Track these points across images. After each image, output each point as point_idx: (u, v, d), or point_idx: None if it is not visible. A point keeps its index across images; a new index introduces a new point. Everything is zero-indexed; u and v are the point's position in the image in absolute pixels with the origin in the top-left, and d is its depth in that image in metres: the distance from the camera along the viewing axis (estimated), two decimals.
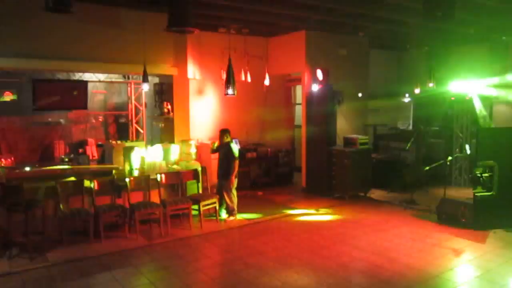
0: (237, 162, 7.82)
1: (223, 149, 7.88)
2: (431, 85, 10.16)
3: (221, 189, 7.84)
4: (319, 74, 9.73)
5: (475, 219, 7.15)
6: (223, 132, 7.95)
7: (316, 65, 9.88)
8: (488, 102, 10.60)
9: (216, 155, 8.08)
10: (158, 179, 7.35)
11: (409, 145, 9.46)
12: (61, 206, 6.57)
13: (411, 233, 7.15)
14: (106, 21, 8.04)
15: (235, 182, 7.87)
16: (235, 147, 7.94)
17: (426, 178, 10.01)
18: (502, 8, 7.82)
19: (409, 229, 7.34)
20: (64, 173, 7.28)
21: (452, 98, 10.45)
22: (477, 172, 7.16)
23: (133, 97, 11.24)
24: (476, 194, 7.20)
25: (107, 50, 8.11)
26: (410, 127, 12.43)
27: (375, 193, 9.80)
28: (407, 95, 12.08)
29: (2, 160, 8.00)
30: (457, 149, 10.55)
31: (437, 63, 11.27)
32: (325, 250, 6.40)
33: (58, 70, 9.24)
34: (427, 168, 9.16)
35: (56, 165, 8.24)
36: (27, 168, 7.56)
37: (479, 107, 9.56)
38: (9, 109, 9.48)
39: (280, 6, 7.72)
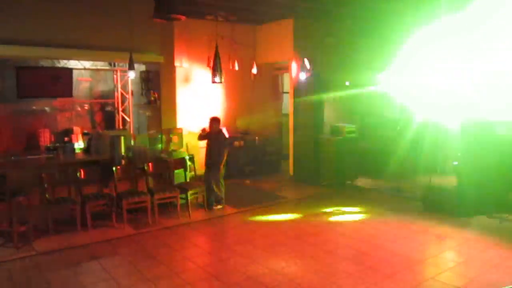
0: (226, 151, 7.82)
1: (214, 138, 7.85)
2: None
3: (209, 178, 7.83)
4: (307, 62, 9.72)
5: (459, 206, 7.27)
6: (214, 120, 7.91)
7: (304, 53, 9.86)
8: None
9: (204, 144, 8.05)
10: (146, 168, 7.32)
11: (395, 133, 9.53)
12: (46, 195, 6.52)
13: (397, 220, 7.25)
14: (91, 7, 7.91)
15: (223, 170, 7.88)
16: (225, 136, 7.93)
17: (412, 166, 10.11)
18: None
19: (394, 216, 7.44)
20: (49, 162, 7.20)
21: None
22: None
23: (119, 85, 11.13)
24: (460, 182, 7.32)
25: (92, 37, 7.99)
26: (397, 116, 12.49)
27: (362, 181, 9.90)
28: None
29: None
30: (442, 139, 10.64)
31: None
32: (312, 237, 6.46)
33: (42, 57, 9.07)
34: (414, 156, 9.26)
35: (41, 153, 8.13)
36: (11, 157, 7.46)
37: None
38: None
39: None
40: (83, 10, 7.81)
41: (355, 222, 7.21)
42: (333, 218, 7.44)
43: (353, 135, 9.70)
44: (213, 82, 8.14)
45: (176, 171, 7.88)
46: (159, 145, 8.58)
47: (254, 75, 10.38)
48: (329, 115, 10.43)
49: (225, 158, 7.79)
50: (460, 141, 7.47)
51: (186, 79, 9.91)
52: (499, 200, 7.24)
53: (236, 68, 9.70)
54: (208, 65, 9.29)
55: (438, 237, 6.39)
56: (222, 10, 9.22)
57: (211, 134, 7.89)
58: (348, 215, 7.61)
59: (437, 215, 7.35)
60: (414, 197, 8.39)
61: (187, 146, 9.08)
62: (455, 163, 7.81)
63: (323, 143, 9.65)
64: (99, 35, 8.09)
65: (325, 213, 7.77)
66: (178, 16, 6.40)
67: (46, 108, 10.39)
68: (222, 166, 7.80)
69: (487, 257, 5.64)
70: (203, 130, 8.05)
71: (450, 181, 8.33)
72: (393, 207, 8.01)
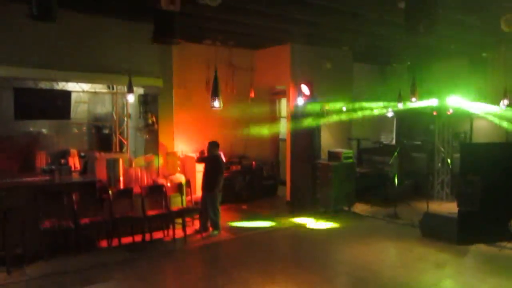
0: (222, 176, 7.78)
1: (210, 162, 7.82)
2: (413, 99, 10.31)
3: (205, 203, 7.76)
4: (304, 88, 9.79)
5: (458, 233, 7.20)
6: (212, 144, 7.90)
7: (301, 78, 9.94)
8: (468, 117, 10.81)
9: (201, 167, 8.01)
10: (142, 191, 7.26)
11: (392, 159, 9.55)
12: (41, 218, 6.42)
13: (394, 247, 7.18)
14: (91, 31, 7.96)
15: (219, 196, 7.81)
16: (222, 161, 7.90)
17: (409, 192, 10.10)
18: (481, 25, 8.00)
19: (393, 243, 7.37)
20: (45, 185, 7.12)
21: (434, 113, 10.62)
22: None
23: (117, 108, 11.12)
24: (459, 209, 7.26)
25: (91, 59, 8.02)
26: (393, 141, 12.57)
27: (359, 207, 9.83)
28: (390, 109, 12.24)
29: None
30: (439, 164, 10.68)
31: (419, 77, 11.47)
32: (309, 263, 6.37)
33: (42, 79, 9.08)
34: (407, 182, 9.25)
35: (37, 175, 8.05)
36: (7, 179, 7.37)
37: None
38: None
39: (266, 19, 7.77)
40: (82, 33, 7.86)
41: (353, 248, 7.12)
42: (330, 245, 7.35)
43: (350, 160, 9.69)
44: (212, 107, 8.16)
45: (172, 195, 7.81)
46: (156, 169, 8.54)
47: (252, 99, 10.43)
48: (326, 140, 10.45)
49: (220, 183, 7.74)
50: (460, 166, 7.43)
51: (184, 103, 9.92)
52: (499, 228, 7.19)
53: (234, 92, 9.74)
54: (206, 89, 9.32)
55: (437, 265, 6.32)
56: (220, 35, 9.32)
57: (209, 158, 7.87)
58: (345, 241, 7.53)
59: (436, 242, 7.28)
60: (412, 223, 8.32)
61: (183, 170, 9.03)
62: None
63: (320, 168, 9.63)
64: (98, 58, 8.13)
65: (322, 239, 7.68)
66: (177, 40, 6.45)
67: (43, 130, 10.33)
68: (218, 191, 7.74)
69: (486, 286, 5.57)
70: (201, 152, 8.03)
71: (447, 207, 8.30)
72: (391, 234, 7.95)
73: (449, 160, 10.34)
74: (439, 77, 11.45)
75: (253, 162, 10.81)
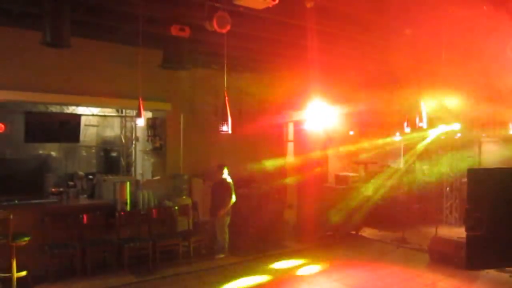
0: (230, 199, 7.79)
1: (218, 185, 7.85)
2: (421, 124, 10.31)
3: (213, 226, 7.75)
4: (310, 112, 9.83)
5: (467, 258, 7.09)
6: (220, 167, 7.94)
7: (308, 102, 9.99)
8: (476, 140, 10.78)
9: (208, 190, 8.04)
10: (148, 214, 7.27)
11: (400, 183, 9.50)
12: (48, 240, 6.44)
13: (403, 272, 7.07)
14: (101, 56, 8.12)
15: (227, 219, 7.80)
16: (230, 184, 7.92)
17: (418, 217, 10.00)
18: None
19: (401, 268, 7.27)
20: (53, 207, 7.17)
21: (442, 137, 10.59)
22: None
23: (125, 131, 11.25)
24: (468, 233, 7.18)
25: (102, 84, 8.16)
26: (401, 165, 12.50)
27: (367, 231, 9.75)
28: (397, 133, 12.23)
29: None
30: (447, 188, 10.60)
31: (426, 102, 11.48)
32: (315, 286, 6.29)
33: (52, 103, 9.25)
34: (416, 206, 9.19)
35: (45, 198, 8.11)
36: (16, 201, 7.43)
37: None
38: (0, 141, 9.42)
39: (273, 45, 7.89)
40: (93, 59, 8.03)
41: (360, 273, 7.03)
42: (337, 269, 7.26)
43: (357, 184, 9.65)
44: (221, 131, 8.23)
45: (179, 217, 7.81)
46: (163, 191, 8.56)
47: (260, 123, 10.48)
48: (333, 164, 10.44)
49: (228, 205, 7.74)
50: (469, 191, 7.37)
51: (192, 126, 10.00)
52: (509, 253, 7.08)
53: (242, 116, 9.80)
54: (214, 113, 9.41)
55: None
56: (228, 60, 9.44)
57: (216, 181, 7.89)
58: (353, 266, 7.44)
59: (445, 268, 7.17)
60: (420, 248, 8.22)
61: (191, 192, 9.05)
62: None
63: (327, 192, 9.59)
64: (108, 83, 8.26)
65: (331, 263, 7.60)
66: (186, 65, 6.57)
67: (52, 153, 10.46)
68: (225, 214, 7.73)
69: None
70: (206, 178, 8.07)
71: (456, 232, 8.21)
72: (400, 258, 7.85)
73: (457, 185, 10.27)
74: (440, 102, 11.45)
75: (260, 186, 10.78)
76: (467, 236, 7.17)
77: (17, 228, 6.13)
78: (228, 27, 5.72)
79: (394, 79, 11.82)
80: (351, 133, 11.19)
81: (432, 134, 10.38)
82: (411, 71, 10.16)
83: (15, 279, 5.82)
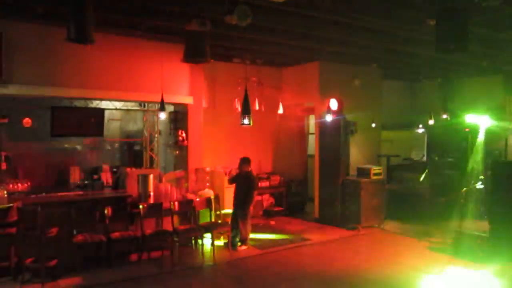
0: (256, 192, 7.84)
1: (242, 178, 7.90)
2: (444, 116, 10.15)
3: (236, 218, 7.81)
4: (332, 104, 9.79)
5: (492, 253, 6.99)
6: (244, 160, 7.99)
7: (329, 95, 9.95)
8: (503, 134, 10.52)
9: (231, 184, 8.10)
10: (171, 206, 7.38)
11: (423, 176, 9.38)
12: (74, 232, 6.62)
13: (426, 266, 7.01)
14: (124, 51, 8.24)
15: (250, 210, 7.85)
16: (255, 177, 7.97)
17: (441, 210, 9.86)
18: None
19: (424, 262, 7.20)
20: (78, 199, 7.35)
21: (467, 130, 10.40)
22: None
23: (148, 125, 11.40)
24: (491, 227, 7.07)
25: (125, 79, 8.29)
26: (424, 158, 12.34)
27: (389, 225, 9.67)
28: (420, 126, 12.06)
29: (19, 184, 8.10)
30: (472, 181, 10.40)
31: (450, 94, 11.29)
32: (339, 283, 6.30)
33: (77, 98, 9.43)
34: (443, 199, 9.05)
35: (71, 190, 8.32)
36: (43, 193, 7.65)
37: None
38: (27, 135, 9.66)
39: (294, 38, 7.86)
40: (117, 54, 8.15)
41: (382, 267, 7.00)
42: (359, 263, 7.24)
43: (379, 177, 9.58)
44: (242, 124, 8.29)
45: (201, 210, 7.90)
46: (185, 184, 8.66)
47: (280, 116, 10.49)
48: (355, 157, 10.37)
49: (254, 199, 7.79)
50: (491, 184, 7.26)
51: (213, 120, 10.08)
52: None
53: (262, 109, 9.83)
54: (235, 107, 9.47)
55: (470, 285, 6.13)
56: (249, 54, 9.47)
57: (240, 175, 7.94)
58: (375, 260, 7.41)
59: (468, 262, 7.06)
60: (444, 242, 8.12)
61: (213, 185, 9.13)
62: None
63: (349, 185, 9.55)
64: (131, 77, 8.39)
65: (351, 257, 7.58)
66: (207, 59, 6.60)
67: (77, 146, 10.67)
68: (250, 207, 7.78)
69: None
70: (232, 171, 8.11)
71: (480, 226, 8.05)
72: (422, 253, 7.77)
73: (482, 178, 10.07)
74: (471, 94, 11.25)
75: (281, 178, 10.82)
76: (491, 230, 7.09)
77: (45, 219, 6.33)
78: (249, 21, 5.72)
79: (417, 71, 11.68)
80: (373, 125, 11.08)
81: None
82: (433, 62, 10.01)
83: (43, 269, 6.01)
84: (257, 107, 9.73)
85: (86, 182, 8.97)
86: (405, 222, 9.75)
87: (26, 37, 7.22)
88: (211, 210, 7.96)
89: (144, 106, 11.08)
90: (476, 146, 10.44)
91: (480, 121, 9.53)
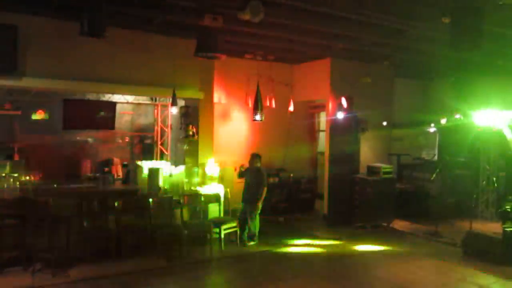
0: (265, 188, 7.84)
1: (253, 174, 7.91)
2: (457, 116, 10.02)
3: (245, 213, 7.83)
4: (344, 101, 9.74)
5: (503, 254, 6.92)
6: (254, 156, 8.00)
7: (340, 92, 9.91)
8: None
9: (242, 178, 8.12)
10: (181, 200, 7.41)
11: (434, 175, 9.31)
12: (85, 224, 6.69)
13: (435, 266, 6.97)
14: (136, 46, 8.28)
15: (259, 206, 7.86)
16: (265, 174, 7.98)
17: (452, 210, 9.79)
18: None
19: (433, 262, 7.16)
20: (89, 192, 7.42)
21: (479, 129, 10.28)
22: (507, 207, 7.00)
23: (159, 119, 11.47)
24: (505, 229, 7.00)
25: (137, 73, 8.33)
26: (435, 158, 12.24)
27: (398, 224, 9.61)
28: (432, 125, 11.95)
29: (31, 176, 8.20)
30: (484, 182, 10.30)
31: (463, 93, 11.13)
32: (345, 280, 6.29)
33: (89, 91, 9.52)
34: (453, 200, 8.98)
35: (82, 183, 8.41)
36: (54, 185, 7.74)
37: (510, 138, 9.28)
38: (40, 128, 9.78)
39: (306, 34, 7.84)
40: (128, 48, 8.19)
41: (391, 266, 6.97)
42: (368, 261, 7.23)
43: (389, 175, 9.53)
44: (254, 120, 8.31)
45: (210, 204, 7.93)
46: (195, 179, 8.70)
47: (291, 112, 10.47)
48: (365, 155, 10.33)
49: (263, 195, 7.80)
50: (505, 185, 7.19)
51: (224, 115, 10.10)
52: None
53: (273, 105, 9.82)
54: (246, 103, 9.47)
55: (480, 287, 6.08)
56: (260, 50, 9.46)
57: (251, 170, 7.95)
58: (384, 258, 7.38)
59: (479, 263, 7.00)
60: (453, 242, 8.06)
61: (222, 180, 9.16)
62: None
63: (358, 183, 9.52)
64: (143, 71, 8.42)
65: (360, 255, 7.57)
66: (219, 54, 6.61)
67: (89, 139, 10.79)
68: (259, 203, 7.79)
69: None
70: (242, 166, 8.12)
71: (492, 227, 7.99)
72: (431, 252, 7.72)
73: (494, 179, 9.97)
74: (484, 93, 11.09)
75: (291, 175, 10.80)
76: (504, 231, 7.01)
77: (56, 211, 6.41)
78: (261, 17, 5.72)
79: (429, 69, 11.57)
80: (384, 123, 11.01)
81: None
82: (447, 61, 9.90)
83: (54, 260, 6.08)
84: (268, 104, 9.72)
85: (97, 174, 9.06)
86: (414, 221, 9.69)
87: (40, 30, 7.29)
88: (220, 205, 7.99)
89: (156, 100, 11.14)
90: (487, 147, 10.32)
91: (493, 121, 9.39)
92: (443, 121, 10.79)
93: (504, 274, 6.54)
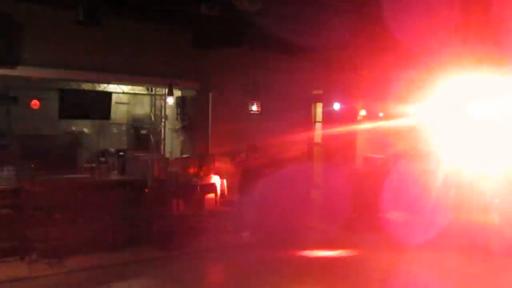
0: (261, 179, 7.85)
1: (250, 165, 7.91)
2: None
3: (241, 203, 7.84)
4: (341, 93, 9.73)
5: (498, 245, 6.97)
6: (251, 147, 8.00)
7: (337, 83, 9.89)
8: None
9: (237, 169, 8.12)
10: (177, 191, 7.41)
11: (430, 167, 9.34)
12: (81, 214, 6.68)
13: (429, 257, 7.03)
14: (133, 35, 8.21)
15: (255, 197, 7.86)
16: (261, 165, 7.98)
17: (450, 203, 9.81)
18: None
19: (428, 253, 7.21)
20: (85, 182, 7.40)
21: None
22: None
23: (155, 109, 11.41)
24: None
25: (132, 62, 8.27)
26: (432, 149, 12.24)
27: (395, 215, 9.66)
28: None
29: (27, 166, 8.15)
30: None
31: None
32: (341, 269, 6.37)
33: (84, 81, 9.44)
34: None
35: (77, 173, 8.38)
36: (50, 175, 7.70)
37: None
38: (35, 117, 9.71)
39: (304, 24, 7.78)
40: (123, 37, 8.12)
41: (386, 256, 7.03)
42: (363, 251, 7.27)
43: (385, 166, 9.54)
44: (251, 111, 8.28)
45: (207, 195, 7.93)
46: (191, 170, 8.68)
47: (288, 103, 10.44)
48: (361, 146, 10.34)
49: (259, 186, 7.80)
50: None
51: (221, 105, 10.06)
52: None
53: (271, 96, 9.79)
54: (243, 93, 9.44)
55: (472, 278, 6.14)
56: (258, 40, 9.39)
57: (247, 161, 7.96)
58: (380, 248, 7.43)
59: (474, 254, 7.05)
60: (449, 233, 8.10)
61: (218, 172, 9.15)
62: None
63: (354, 174, 9.54)
64: (139, 61, 8.37)
65: (356, 245, 7.61)
66: (215, 44, 6.58)
67: (85, 129, 10.72)
68: (255, 194, 7.80)
69: None
70: (237, 157, 8.12)
71: (487, 218, 8.03)
72: (427, 244, 7.76)
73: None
74: None
75: (287, 166, 10.79)
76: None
77: (51, 201, 6.39)
78: (259, 6, 5.67)
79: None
80: (381, 114, 11.01)
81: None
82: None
83: (50, 250, 6.08)
84: (265, 95, 9.69)
85: (93, 165, 9.01)
86: (410, 212, 9.71)
87: (35, 18, 7.20)
88: (216, 195, 7.99)
89: (151, 90, 11.08)
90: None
91: None
92: None
93: (497, 264, 6.60)
